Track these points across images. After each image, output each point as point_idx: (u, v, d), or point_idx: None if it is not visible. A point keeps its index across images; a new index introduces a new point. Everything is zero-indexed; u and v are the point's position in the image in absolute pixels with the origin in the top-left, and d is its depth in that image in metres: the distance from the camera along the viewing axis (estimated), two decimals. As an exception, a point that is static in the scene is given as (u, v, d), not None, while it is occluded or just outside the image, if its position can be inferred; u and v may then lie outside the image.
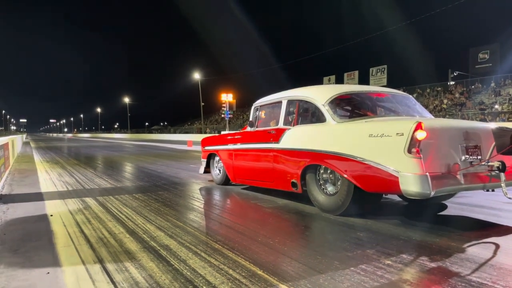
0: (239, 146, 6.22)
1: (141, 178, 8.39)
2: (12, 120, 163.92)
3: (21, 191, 6.42)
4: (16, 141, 16.36)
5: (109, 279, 2.56)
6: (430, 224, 4.03)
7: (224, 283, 2.46)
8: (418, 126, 3.49)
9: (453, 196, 5.16)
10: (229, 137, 6.68)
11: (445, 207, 4.86)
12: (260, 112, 6.00)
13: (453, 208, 4.79)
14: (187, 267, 2.76)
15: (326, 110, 4.63)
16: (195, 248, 3.21)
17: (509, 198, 3.64)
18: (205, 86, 51.12)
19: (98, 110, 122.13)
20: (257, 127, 5.92)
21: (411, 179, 3.44)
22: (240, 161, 6.20)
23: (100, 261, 2.93)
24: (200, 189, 6.68)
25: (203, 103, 50.33)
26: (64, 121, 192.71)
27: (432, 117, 5.20)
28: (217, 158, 7.08)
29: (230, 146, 6.49)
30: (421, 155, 3.48)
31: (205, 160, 7.35)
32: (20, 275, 2.66)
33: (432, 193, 3.39)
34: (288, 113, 5.31)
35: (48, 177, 8.32)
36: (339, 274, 2.59)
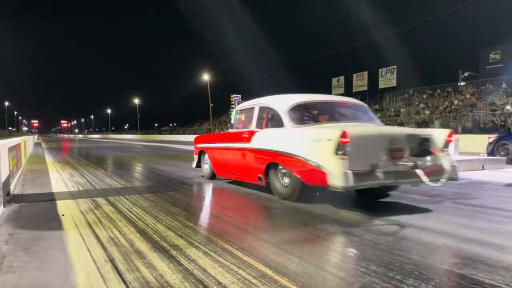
0: (222, 145, 7.11)
1: (151, 178, 8.43)
2: (24, 121, 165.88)
3: (33, 191, 6.50)
4: (28, 142, 16.54)
5: (120, 279, 2.57)
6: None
7: (234, 283, 2.46)
8: (343, 134, 4.32)
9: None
10: (215, 137, 7.75)
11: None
12: (240, 116, 6.86)
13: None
14: (197, 267, 2.77)
15: (285, 117, 5.49)
16: (205, 248, 3.22)
17: (433, 185, 4.59)
18: (214, 87, 51.25)
19: (108, 111, 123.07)
20: (237, 128, 6.72)
21: (336, 175, 4.31)
22: (222, 158, 7.13)
23: (111, 260, 2.95)
24: (209, 190, 6.70)
25: (212, 104, 50.48)
26: (75, 122, 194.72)
27: (381, 124, 6.09)
28: (206, 155, 7.83)
29: (215, 145, 7.40)
30: (346, 156, 4.30)
31: (197, 156, 8.23)
32: (32, 274, 2.68)
33: (352, 187, 4.28)
34: (259, 118, 6.14)
35: (59, 177, 8.41)
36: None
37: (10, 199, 5.62)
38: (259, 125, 6.08)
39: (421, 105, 35.77)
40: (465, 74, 36.85)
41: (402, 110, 36.46)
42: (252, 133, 6.07)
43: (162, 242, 3.41)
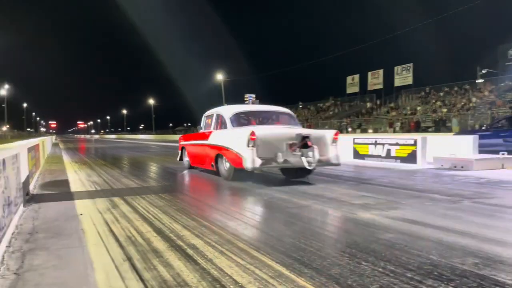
0: (193, 142, 9.48)
1: (167, 178, 8.50)
2: (42, 122, 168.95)
3: (51, 191, 6.61)
4: (46, 143, 16.84)
5: (138, 277, 2.59)
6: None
7: (251, 283, 2.46)
8: (252, 133, 6.53)
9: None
10: (190, 136, 10.16)
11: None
12: (207, 120, 8.92)
13: (413, 196, 4.92)
14: (214, 266, 2.77)
15: (228, 122, 7.74)
16: (221, 248, 3.23)
17: (309, 168, 6.78)
18: (228, 87, 51.35)
19: (124, 111, 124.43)
20: (203, 130, 8.86)
21: (247, 160, 6.49)
22: (193, 152, 9.40)
23: (129, 259, 2.98)
24: (225, 189, 6.72)
25: (225, 104, 50.60)
26: (91, 122, 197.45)
27: (298, 125, 8.18)
28: (185, 150, 10.06)
29: (190, 142, 9.76)
30: (254, 148, 6.51)
31: (180, 151, 10.45)
32: (53, 273, 2.73)
33: (258, 168, 6.56)
34: (216, 122, 8.32)
35: (77, 177, 8.54)
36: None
37: (30, 198, 5.73)
38: (215, 127, 8.23)
39: (438, 103, 35.24)
40: (483, 71, 36.10)
41: (418, 108, 35.98)
42: (210, 132, 8.31)
43: (179, 241, 3.43)
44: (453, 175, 8.25)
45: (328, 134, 7.29)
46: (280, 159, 6.56)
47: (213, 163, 7.90)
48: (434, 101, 36.58)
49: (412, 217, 4.26)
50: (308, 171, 7.32)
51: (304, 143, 6.78)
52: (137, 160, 14.32)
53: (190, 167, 9.75)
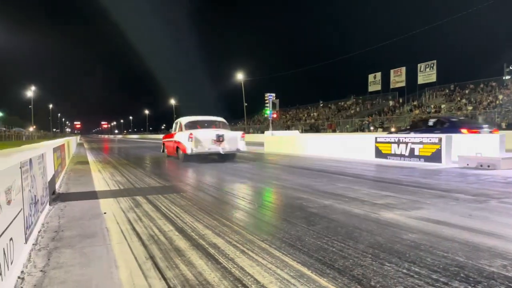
0: (167, 139, 14.99)
1: (188, 177, 8.56)
2: (67, 122, 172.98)
3: (76, 190, 6.75)
4: (71, 143, 17.22)
5: (160, 276, 2.62)
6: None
7: (272, 283, 2.45)
8: (190, 134, 11.92)
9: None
10: (166, 136, 15.52)
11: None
12: (177, 124, 13.64)
13: (437, 195, 4.61)
14: (235, 266, 2.78)
15: (184, 126, 12.77)
16: (242, 247, 3.23)
17: (222, 153, 12.13)
18: (249, 87, 51.43)
19: (146, 112, 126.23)
20: (174, 131, 13.72)
21: (188, 148, 11.91)
22: (167, 145, 14.69)
23: (152, 257, 3.01)
24: (246, 189, 6.73)
25: (246, 103, 50.71)
26: (114, 123, 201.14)
27: (228, 129, 13.23)
28: (164, 144, 15.74)
29: (166, 139, 15.23)
30: (192, 142, 11.84)
31: (163, 145, 15.85)
32: (78, 270, 2.78)
33: (193, 153, 11.86)
34: (179, 126, 13.20)
35: (101, 177, 8.70)
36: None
37: (56, 197, 5.87)
38: (177, 130, 13.37)
39: (463, 100, 34.43)
40: (511, 68, 35.07)
41: (442, 106, 35.23)
42: (174, 133, 13.51)
43: (200, 240, 3.45)
44: (479, 174, 8.03)
45: (238, 133, 12.79)
46: (206, 148, 11.95)
47: (175, 152, 13.23)
48: (459, 98, 35.77)
49: (437, 217, 4.16)
50: (229, 156, 12.86)
51: (221, 139, 12.06)
52: (159, 159, 14.49)
53: (167, 156, 14.95)
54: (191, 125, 12.76)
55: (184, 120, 13.24)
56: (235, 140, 12.38)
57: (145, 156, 16.61)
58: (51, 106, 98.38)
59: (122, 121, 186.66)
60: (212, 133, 12.19)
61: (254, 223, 4.20)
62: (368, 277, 2.51)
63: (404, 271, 2.61)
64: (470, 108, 31.39)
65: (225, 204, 5.30)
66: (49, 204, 5.14)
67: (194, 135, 11.82)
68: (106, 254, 3.13)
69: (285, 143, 17.97)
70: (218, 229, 3.85)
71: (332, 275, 2.56)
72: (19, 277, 2.63)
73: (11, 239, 2.45)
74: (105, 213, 4.74)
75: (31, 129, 71.55)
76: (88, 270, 2.77)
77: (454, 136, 10.57)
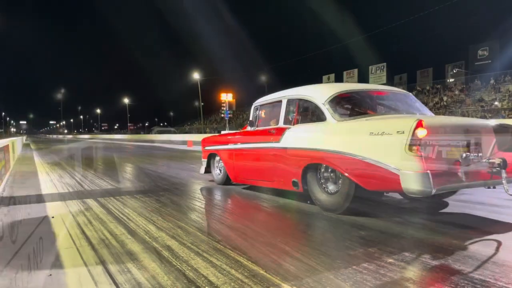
0: (239, 146, 6.23)
1: (142, 178, 8.39)
2: (12, 122, 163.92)
3: (22, 193, 6.42)
4: (16, 143, 16.35)
5: (111, 281, 2.55)
6: (432, 222, 4.04)
7: (226, 283, 2.46)
8: (419, 124, 3.47)
9: (455, 193, 5.10)
10: (229, 137, 6.71)
11: (446, 204, 4.85)
12: (260, 112, 6.05)
13: (454, 205, 4.79)
14: (189, 268, 2.76)
15: (326, 109, 4.63)
16: (197, 249, 3.21)
17: (510, 194, 3.59)
18: (204, 86, 51.14)
19: (98, 111, 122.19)
20: (257, 127, 5.98)
21: (412, 177, 3.45)
22: (240, 161, 6.21)
23: (102, 262, 2.93)
24: (201, 189, 6.69)
25: (202, 103, 50.41)
26: (64, 122, 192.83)
27: (432, 114, 5.20)
28: (217, 158, 7.06)
29: (231, 146, 6.49)
30: (422, 153, 3.46)
31: (206, 160, 7.35)
32: (23, 277, 2.65)
33: (434, 191, 3.36)
34: (288, 112, 5.32)
35: (48, 179, 8.32)
36: (342, 273, 2.58)
37: (-1, 201, 5.56)
38: (288, 121, 5.26)
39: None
40: (454, 71, 37.17)
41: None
42: (281, 130, 5.20)
43: (154, 243, 3.39)
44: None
45: None
46: (462, 173, 3.72)
47: (296, 180, 4.87)
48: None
49: (379, 214, 4.31)
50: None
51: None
52: (111, 160, 14.06)
53: (227, 183, 6.78)
54: (349, 106, 5.10)
55: (319, 91, 5.03)
56: None
57: (96, 157, 16.08)
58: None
59: (72, 120, 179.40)
60: (461, 123, 4.37)
61: (209, 224, 4.18)
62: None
63: (354, 266, 2.70)
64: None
65: (181, 206, 5.24)
66: (-9, 209, 4.86)
67: (429, 128, 3.53)
68: (53, 260, 3.00)
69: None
70: (172, 231, 3.80)
71: (285, 273, 2.60)
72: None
73: None
74: (53, 217, 4.55)
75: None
76: (33, 278, 2.65)
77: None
